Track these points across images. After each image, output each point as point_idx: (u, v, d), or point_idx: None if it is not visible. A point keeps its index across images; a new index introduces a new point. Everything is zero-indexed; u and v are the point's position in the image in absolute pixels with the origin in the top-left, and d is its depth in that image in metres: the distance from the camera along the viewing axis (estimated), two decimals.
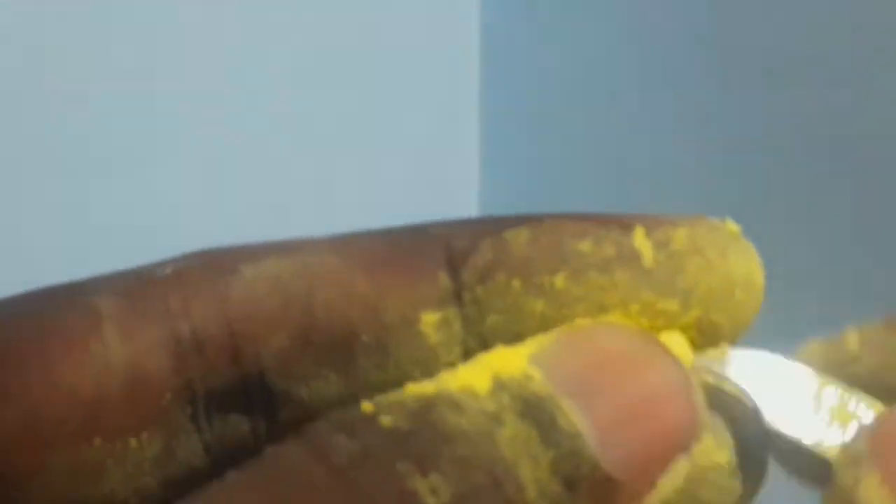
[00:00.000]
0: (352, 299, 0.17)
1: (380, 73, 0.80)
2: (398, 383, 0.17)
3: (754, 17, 0.63)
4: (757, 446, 0.19)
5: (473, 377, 0.16)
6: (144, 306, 0.17)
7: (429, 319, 0.18)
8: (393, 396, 0.16)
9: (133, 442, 0.17)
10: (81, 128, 0.72)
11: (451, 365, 0.17)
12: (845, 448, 0.18)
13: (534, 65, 0.78)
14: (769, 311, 0.19)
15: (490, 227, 0.18)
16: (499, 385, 0.16)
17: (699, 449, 0.17)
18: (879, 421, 0.18)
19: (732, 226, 0.19)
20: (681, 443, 0.17)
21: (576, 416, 0.16)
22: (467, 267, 0.18)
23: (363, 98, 0.80)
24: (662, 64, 0.68)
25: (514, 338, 0.17)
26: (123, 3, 0.73)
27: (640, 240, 0.18)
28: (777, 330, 0.63)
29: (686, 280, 0.18)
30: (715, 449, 0.18)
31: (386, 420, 0.15)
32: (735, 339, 0.19)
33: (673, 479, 0.17)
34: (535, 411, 0.16)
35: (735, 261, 0.18)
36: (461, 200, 0.82)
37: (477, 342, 0.18)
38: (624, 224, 0.18)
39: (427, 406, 0.16)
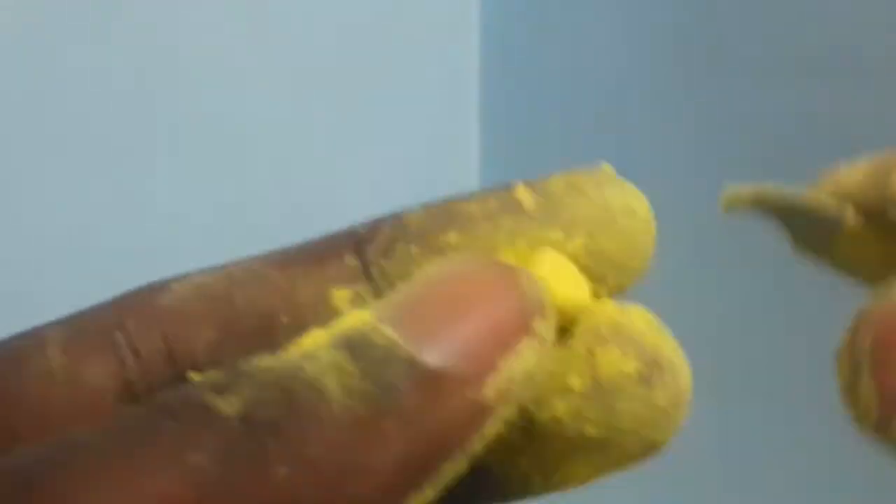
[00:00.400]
0: (268, 289, 0.19)
1: (380, 72, 0.80)
2: None
3: (754, 14, 0.63)
4: (672, 357, 0.20)
5: (305, 339, 0.17)
6: (83, 325, 0.19)
7: (340, 295, 0.19)
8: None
9: None
10: (81, 127, 0.72)
11: None
12: (847, 338, 0.19)
13: (534, 63, 0.78)
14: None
15: (389, 214, 0.20)
16: (326, 333, 0.17)
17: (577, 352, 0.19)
18: (881, 315, 0.19)
19: (608, 168, 0.20)
20: (515, 327, 0.18)
21: (393, 334, 0.17)
22: (371, 245, 0.20)
23: (364, 98, 0.80)
24: (662, 61, 0.68)
25: None
26: (123, 3, 0.73)
27: (522, 192, 0.20)
28: (782, 325, 0.63)
29: (566, 212, 0.20)
30: (621, 358, 0.19)
31: (209, 374, 0.17)
32: (632, 270, 0.21)
33: (521, 359, 0.18)
34: (353, 339, 0.17)
35: (612, 192, 0.20)
36: None
37: None
38: (506, 185, 0.20)
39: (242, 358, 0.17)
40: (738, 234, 0.64)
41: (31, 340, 0.19)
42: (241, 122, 0.77)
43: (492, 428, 0.18)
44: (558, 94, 0.77)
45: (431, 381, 0.17)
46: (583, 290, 0.20)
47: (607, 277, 0.20)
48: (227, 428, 0.16)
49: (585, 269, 0.20)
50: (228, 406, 0.16)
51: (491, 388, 0.17)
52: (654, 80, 0.69)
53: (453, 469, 0.18)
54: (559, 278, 0.20)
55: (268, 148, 0.77)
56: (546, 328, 0.18)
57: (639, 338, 0.20)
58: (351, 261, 0.20)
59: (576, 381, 0.19)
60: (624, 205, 0.20)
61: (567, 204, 0.20)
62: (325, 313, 0.19)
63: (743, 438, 0.64)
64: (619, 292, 0.21)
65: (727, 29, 0.65)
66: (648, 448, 0.20)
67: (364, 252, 0.20)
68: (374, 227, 0.20)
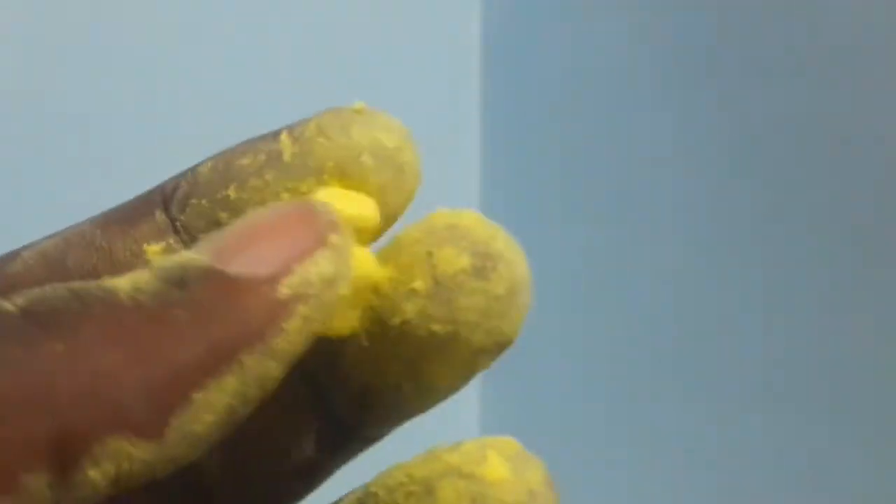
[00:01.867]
0: (92, 251, 0.22)
1: (381, 72, 0.80)
2: None
3: (756, 16, 0.63)
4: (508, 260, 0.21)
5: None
6: None
7: (152, 249, 0.22)
8: None
9: None
10: (81, 127, 0.72)
11: None
12: None
13: (535, 63, 0.78)
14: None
15: (190, 167, 0.22)
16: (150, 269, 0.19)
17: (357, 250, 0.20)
18: None
19: (359, 104, 0.22)
20: (310, 241, 0.19)
21: (195, 251, 0.19)
22: (173, 201, 0.22)
23: (365, 97, 0.80)
24: (663, 60, 0.68)
25: None
26: (124, 3, 0.73)
27: (284, 141, 0.22)
28: (784, 323, 0.62)
29: (314, 160, 0.21)
30: (456, 255, 0.21)
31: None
32: (397, 198, 0.22)
33: (317, 264, 0.19)
34: (157, 263, 0.19)
35: (357, 131, 0.22)
36: (462, 200, 0.82)
37: None
38: (275, 132, 0.22)
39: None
40: (738, 233, 0.63)
41: None
42: (239, 121, 0.77)
43: (295, 325, 0.19)
44: (559, 93, 0.77)
45: (225, 282, 0.19)
46: (371, 207, 0.22)
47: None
48: (5, 319, 0.17)
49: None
50: (11, 305, 0.17)
51: (286, 287, 0.19)
52: (655, 80, 0.69)
53: (263, 365, 0.18)
54: (349, 201, 0.21)
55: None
56: (340, 240, 0.20)
57: (471, 235, 0.21)
58: (160, 217, 0.22)
59: (419, 284, 0.21)
60: (369, 143, 0.21)
61: (315, 151, 0.21)
62: (140, 266, 0.21)
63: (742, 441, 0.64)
64: (395, 218, 0.22)
65: (729, 30, 0.65)
66: (497, 338, 0.21)
67: (168, 208, 0.22)
68: (175, 183, 0.22)
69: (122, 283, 0.18)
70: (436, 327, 0.21)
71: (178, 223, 0.22)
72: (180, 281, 0.18)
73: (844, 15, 0.58)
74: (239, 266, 0.19)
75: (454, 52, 0.83)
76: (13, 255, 0.22)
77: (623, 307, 0.70)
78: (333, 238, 0.20)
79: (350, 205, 0.21)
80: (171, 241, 0.22)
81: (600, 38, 0.73)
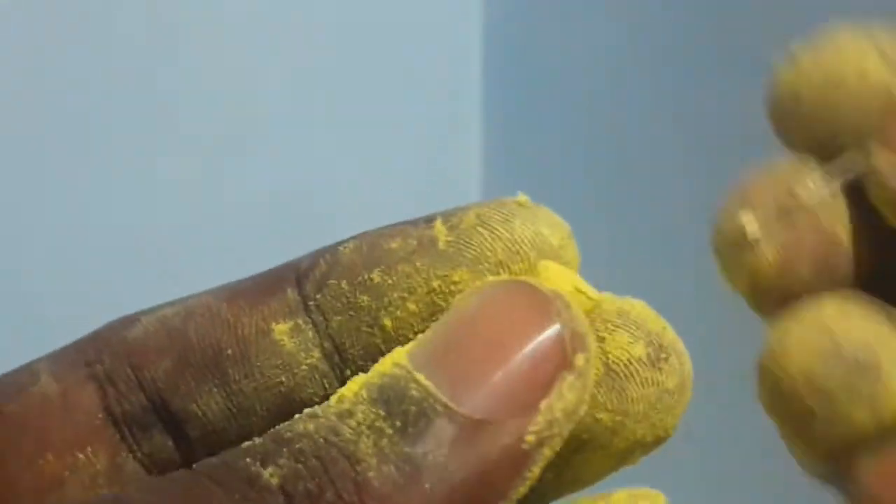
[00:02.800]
0: (217, 323, 0.21)
1: (382, 70, 0.80)
2: (267, 388, 0.21)
3: (755, 12, 0.63)
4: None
5: (349, 385, 0.18)
6: (69, 358, 0.21)
7: (281, 328, 0.21)
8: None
9: (81, 456, 0.21)
10: (80, 128, 0.72)
11: (312, 367, 0.21)
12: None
13: (535, 60, 0.78)
14: None
15: (331, 246, 0.21)
16: (365, 384, 0.18)
17: (590, 356, 0.19)
18: None
19: (522, 198, 0.21)
20: (549, 364, 0.18)
21: (428, 383, 0.18)
22: (308, 280, 0.21)
23: (365, 96, 0.80)
24: (664, 58, 0.68)
25: (355, 333, 0.21)
26: (124, 3, 0.73)
27: (438, 228, 0.21)
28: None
29: (472, 251, 0.20)
30: (630, 343, 0.20)
31: (246, 443, 0.18)
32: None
33: (560, 397, 0.18)
34: (387, 390, 0.18)
35: (520, 225, 0.20)
36: (463, 198, 0.82)
37: (330, 343, 0.21)
38: (428, 218, 0.21)
39: (285, 426, 0.18)
40: None
41: (26, 373, 0.21)
42: (239, 122, 0.77)
43: (535, 471, 0.18)
44: (559, 92, 0.77)
45: (469, 432, 0.17)
46: (581, 281, 0.20)
47: None
48: (268, 497, 0.17)
49: None
50: (269, 476, 0.17)
51: (532, 436, 0.18)
52: (654, 78, 0.69)
53: None
54: (563, 276, 0.20)
55: (267, 148, 0.77)
56: (586, 361, 0.18)
57: (644, 323, 0.20)
58: (292, 295, 0.21)
59: None
60: (531, 238, 0.20)
61: (474, 241, 0.20)
62: (267, 345, 0.21)
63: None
64: None
65: (729, 26, 0.65)
66: (658, 434, 0.20)
67: (303, 286, 0.21)
68: (313, 261, 0.21)
69: (367, 447, 0.17)
70: (602, 416, 0.20)
71: (311, 303, 0.21)
72: (425, 442, 0.17)
73: (843, 16, 0.58)
74: (479, 400, 0.18)
75: (454, 51, 0.83)
76: (132, 320, 0.22)
77: None
78: (580, 360, 0.18)
79: (567, 280, 0.20)
80: (301, 320, 0.21)
81: (601, 36, 0.73)
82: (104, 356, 0.21)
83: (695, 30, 0.67)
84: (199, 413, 0.21)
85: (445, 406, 0.17)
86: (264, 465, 0.17)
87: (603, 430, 0.20)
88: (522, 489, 0.18)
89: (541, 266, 0.20)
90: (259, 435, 0.19)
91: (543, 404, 0.18)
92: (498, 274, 0.20)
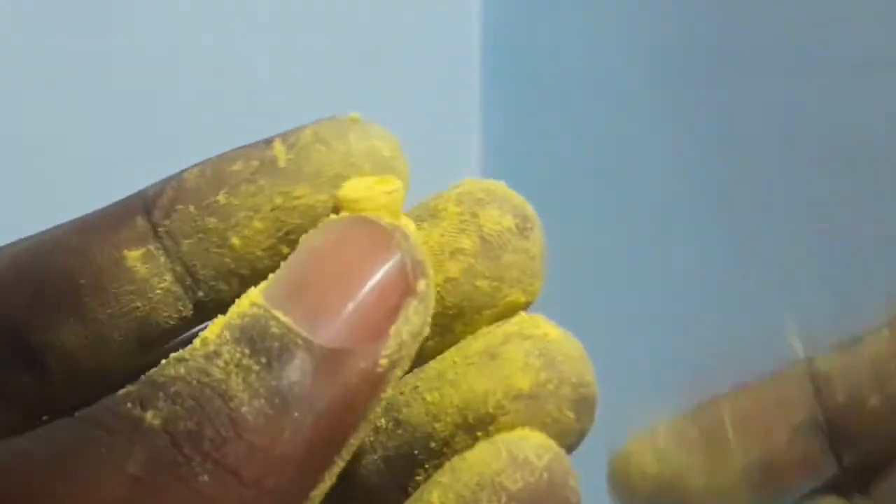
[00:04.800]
0: (69, 254, 0.21)
1: (381, 70, 0.80)
2: (123, 315, 0.21)
3: (754, 11, 0.63)
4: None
5: (212, 327, 0.19)
6: None
7: (133, 255, 0.21)
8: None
9: None
10: (79, 127, 0.72)
11: (166, 291, 0.21)
12: None
13: (535, 59, 0.78)
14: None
15: (175, 174, 0.22)
16: (226, 323, 0.19)
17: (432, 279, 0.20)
18: None
19: (355, 115, 0.22)
20: (394, 292, 0.19)
21: (286, 319, 0.19)
22: (156, 206, 0.21)
23: (365, 96, 0.80)
24: (663, 58, 0.68)
25: (205, 254, 0.21)
26: (124, 2, 0.73)
27: (278, 147, 0.21)
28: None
29: (311, 166, 0.21)
30: (501, 215, 0.21)
31: (122, 391, 0.19)
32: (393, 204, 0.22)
33: (406, 321, 0.19)
34: (249, 329, 0.19)
35: (355, 139, 0.21)
36: None
37: (181, 267, 0.21)
38: (267, 140, 0.22)
39: (156, 371, 0.19)
40: (739, 227, 0.64)
41: None
42: (238, 123, 0.77)
43: (389, 391, 0.19)
44: (558, 91, 0.77)
45: (328, 361, 0.19)
46: (396, 182, 0.22)
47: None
48: (153, 439, 0.18)
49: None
50: (151, 418, 0.18)
51: (385, 359, 0.19)
52: (655, 76, 0.69)
53: (361, 437, 0.19)
54: (380, 185, 0.21)
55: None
56: (427, 286, 0.20)
57: (510, 199, 0.22)
58: (141, 222, 0.21)
59: (466, 243, 0.21)
60: (366, 151, 0.21)
61: (312, 157, 0.21)
62: (120, 272, 0.21)
63: None
64: None
65: (729, 24, 0.65)
66: (528, 297, 0.22)
67: (151, 214, 0.21)
68: (160, 189, 0.22)
69: (236, 384, 0.18)
70: (481, 283, 0.21)
71: (160, 229, 0.21)
72: (291, 375, 0.18)
73: (846, 14, 0.58)
74: (335, 331, 0.19)
75: (454, 51, 0.83)
76: None
77: (621, 306, 0.70)
78: (421, 286, 0.20)
79: (385, 187, 0.21)
80: (152, 247, 0.21)
81: (601, 33, 0.73)
82: None
83: (695, 30, 0.67)
84: (58, 344, 0.21)
85: (304, 339, 0.19)
86: (144, 408, 0.18)
87: (481, 296, 0.21)
88: (379, 409, 0.19)
89: (348, 182, 0.21)
90: (116, 363, 0.21)
91: (392, 329, 0.19)
92: (336, 187, 0.21)
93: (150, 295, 0.21)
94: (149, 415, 0.18)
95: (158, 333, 0.21)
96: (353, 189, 0.21)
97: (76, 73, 0.71)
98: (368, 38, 0.80)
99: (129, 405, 0.18)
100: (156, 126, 0.74)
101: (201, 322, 0.22)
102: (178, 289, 0.21)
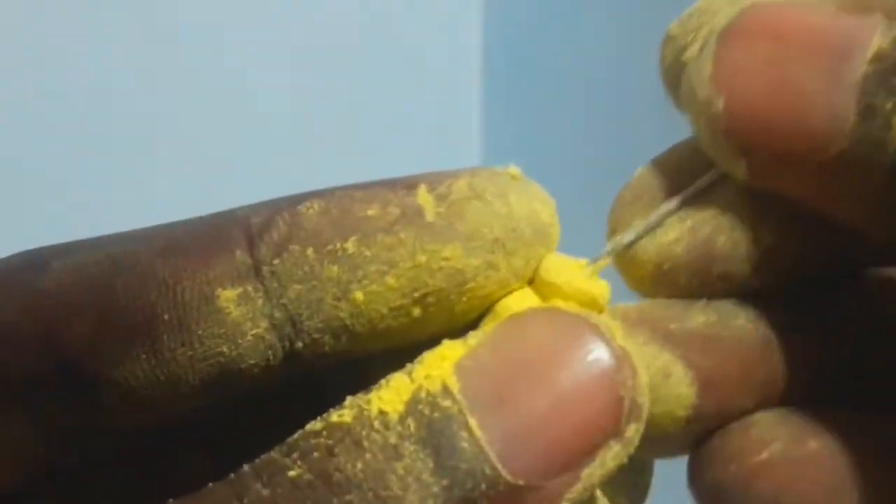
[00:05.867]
0: (151, 282, 0.18)
1: (381, 70, 0.80)
2: (205, 358, 0.18)
3: None
4: None
5: (392, 396, 0.17)
6: None
7: (227, 295, 0.18)
8: (306, 435, 0.17)
9: None
10: (80, 124, 0.72)
11: (258, 338, 0.18)
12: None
13: (535, 59, 0.78)
14: None
15: (286, 202, 0.19)
16: (412, 407, 0.17)
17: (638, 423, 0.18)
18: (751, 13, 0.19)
19: (514, 170, 0.19)
20: (601, 433, 0.17)
21: (480, 433, 0.17)
22: (264, 242, 0.18)
23: (365, 96, 0.80)
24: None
25: (317, 304, 0.18)
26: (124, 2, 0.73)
27: (423, 196, 0.19)
28: None
29: (466, 225, 0.18)
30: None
31: (292, 473, 0.17)
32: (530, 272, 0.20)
33: (602, 465, 0.17)
34: (439, 436, 0.17)
35: (516, 200, 0.19)
36: None
37: (282, 314, 0.18)
38: (409, 184, 0.19)
39: (329, 452, 0.17)
40: None
41: None
42: (238, 124, 0.77)
43: None
44: (559, 91, 0.77)
45: (509, 498, 0.17)
46: (603, 285, 0.20)
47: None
48: None
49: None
50: None
51: (566, 501, 0.17)
52: (656, 76, 0.69)
53: None
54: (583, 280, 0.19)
55: (266, 148, 0.77)
56: (636, 432, 0.18)
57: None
58: (241, 257, 0.18)
59: None
60: (529, 213, 0.19)
61: (467, 215, 0.19)
62: (210, 313, 0.18)
63: None
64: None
65: None
66: None
67: (256, 248, 0.18)
68: (269, 219, 0.19)
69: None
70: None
71: (265, 268, 0.18)
72: (465, 493, 0.17)
73: None
74: (527, 464, 0.17)
75: (454, 51, 0.83)
76: (39, 265, 0.19)
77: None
78: (631, 430, 0.18)
79: (593, 285, 0.19)
80: (251, 287, 0.18)
81: (601, 31, 0.73)
82: (2, 302, 0.18)
83: None
84: (121, 380, 0.18)
85: (493, 468, 0.17)
86: None
87: None
88: None
89: (547, 261, 0.19)
90: (181, 404, 0.18)
91: (585, 472, 0.17)
92: (493, 252, 0.19)
93: (240, 341, 0.18)
94: None
95: (237, 380, 0.19)
96: (558, 273, 0.19)
97: (75, 68, 0.71)
98: (369, 38, 0.80)
99: None
100: (155, 127, 0.74)
101: (286, 372, 0.19)
102: (272, 337, 0.18)
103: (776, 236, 0.20)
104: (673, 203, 0.21)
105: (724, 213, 0.20)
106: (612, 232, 0.22)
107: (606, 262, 0.20)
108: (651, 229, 0.21)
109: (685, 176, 0.22)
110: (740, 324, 0.20)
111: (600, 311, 0.19)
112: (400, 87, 0.82)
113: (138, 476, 0.20)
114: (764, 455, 0.19)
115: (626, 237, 0.21)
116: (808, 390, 0.20)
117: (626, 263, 0.21)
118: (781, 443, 0.19)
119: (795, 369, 0.20)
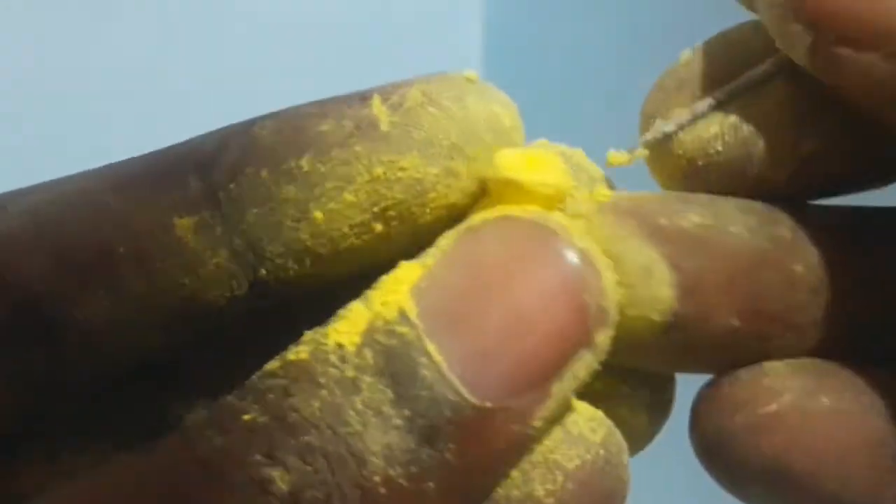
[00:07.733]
0: (104, 216, 0.17)
1: (381, 70, 0.80)
2: (165, 291, 0.17)
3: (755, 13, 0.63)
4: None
5: (349, 327, 0.16)
6: None
7: (184, 224, 0.18)
8: (262, 375, 0.16)
9: None
10: (81, 121, 0.72)
11: (219, 266, 0.18)
12: None
13: (535, 59, 0.79)
14: None
15: (240, 126, 0.18)
16: (368, 337, 0.16)
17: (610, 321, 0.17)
18: None
19: (471, 73, 0.19)
20: (567, 344, 0.16)
21: (440, 358, 0.16)
22: (217, 166, 0.18)
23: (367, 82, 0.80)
24: (663, 57, 0.69)
25: (276, 227, 0.18)
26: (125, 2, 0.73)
27: (377, 107, 0.18)
28: None
29: (422, 132, 0.18)
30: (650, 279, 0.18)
31: (246, 417, 0.16)
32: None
33: (573, 378, 0.16)
34: (397, 365, 0.16)
35: (474, 103, 0.18)
36: None
37: (242, 240, 0.18)
38: (362, 97, 0.18)
39: (284, 392, 0.16)
40: None
41: None
42: (237, 119, 0.77)
43: (534, 448, 0.17)
44: (559, 91, 0.77)
45: (478, 422, 0.16)
46: (563, 173, 0.19)
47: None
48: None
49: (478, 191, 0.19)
50: (280, 481, 0.16)
51: (539, 419, 0.16)
52: (656, 77, 0.70)
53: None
54: (542, 168, 0.19)
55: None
56: (606, 338, 0.17)
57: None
58: (195, 183, 0.18)
59: None
60: (489, 116, 0.18)
61: (423, 122, 0.18)
62: (167, 243, 0.18)
63: None
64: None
65: (728, 21, 0.65)
66: None
67: (209, 174, 0.18)
68: (222, 143, 0.18)
69: (374, 444, 0.16)
70: None
71: (221, 193, 0.17)
72: (433, 433, 0.16)
73: None
74: (493, 385, 0.16)
75: (454, 51, 0.83)
76: None
77: None
78: (601, 338, 0.17)
79: (548, 174, 0.18)
80: (207, 214, 0.18)
81: (601, 29, 0.73)
82: None
83: (696, 31, 0.67)
84: (82, 318, 0.17)
85: (457, 393, 0.16)
86: (273, 460, 0.16)
87: None
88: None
89: (500, 157, 0.18)
90: (146, 343, 0.18)
91: (555, 388, 0.16)
92: (451, 159, 0.18)
93: (200, 271, 0.18)
94: (277, 476, 0.16)
95: (202, 314, 0.18)
96: (511, 167, 0.18)
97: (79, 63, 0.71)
98: (369, 38, 0.80)
99: (258, 457, 0.16)
100: (154, 126, 0.74)
101: (253, 302, 0.18)
102: (233, 265, 0.18)
103: (818, 144, 0.19)
104: (720, 95, 0.20)
105: (770, 114, 0.19)
106: (648, 119, 0.21)
107: (643, 152, 0.20)
108: (693, 122, 0.20)
109: (736, 65, 0.21)
110: (736, 230, 0.19)
111: (562, 200, 0.18)
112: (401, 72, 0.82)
113: (118, 421, 0.20)
114: (773, 407, 0.18)
115: (668, 127, 0.20)
116: (823, 334, 0.19)
117: (658, 156, 0.20)
118: (792, 395, 0.18)
119: (804, 303, 0.19)
